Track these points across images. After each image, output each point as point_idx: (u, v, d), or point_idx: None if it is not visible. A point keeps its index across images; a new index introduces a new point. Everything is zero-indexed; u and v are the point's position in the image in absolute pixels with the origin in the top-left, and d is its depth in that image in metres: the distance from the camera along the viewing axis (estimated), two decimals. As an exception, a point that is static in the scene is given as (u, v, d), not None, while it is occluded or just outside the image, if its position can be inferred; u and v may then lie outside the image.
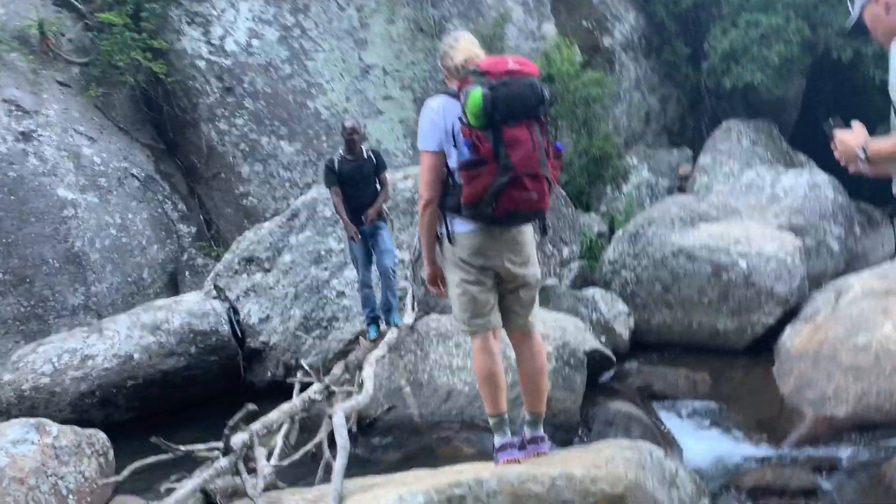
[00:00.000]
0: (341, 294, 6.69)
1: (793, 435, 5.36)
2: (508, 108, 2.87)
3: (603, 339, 7.06)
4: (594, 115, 10.76)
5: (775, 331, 6.88)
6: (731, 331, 7.50)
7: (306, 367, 4.70)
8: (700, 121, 13.52)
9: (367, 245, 5.80)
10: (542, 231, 3.18)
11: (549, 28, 12.11)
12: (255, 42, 10.23)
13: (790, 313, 7.11)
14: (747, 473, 4.90)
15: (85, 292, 8.99)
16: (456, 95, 2.99)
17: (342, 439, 3.37)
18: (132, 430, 6.15)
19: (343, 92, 10.55)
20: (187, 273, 9.84)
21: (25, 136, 8.98)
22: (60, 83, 9.70)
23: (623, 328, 7.65)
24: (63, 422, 5.94)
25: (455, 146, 2.95)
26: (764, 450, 5.35)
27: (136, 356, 6.29)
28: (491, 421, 3.12)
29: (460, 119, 2.92)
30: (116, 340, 6.35)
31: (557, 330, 5.68)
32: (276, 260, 7.06)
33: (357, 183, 5.74)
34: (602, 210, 11.25)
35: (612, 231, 10.11)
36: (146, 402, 6.38)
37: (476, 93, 2.86)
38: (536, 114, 2.95)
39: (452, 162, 2.99)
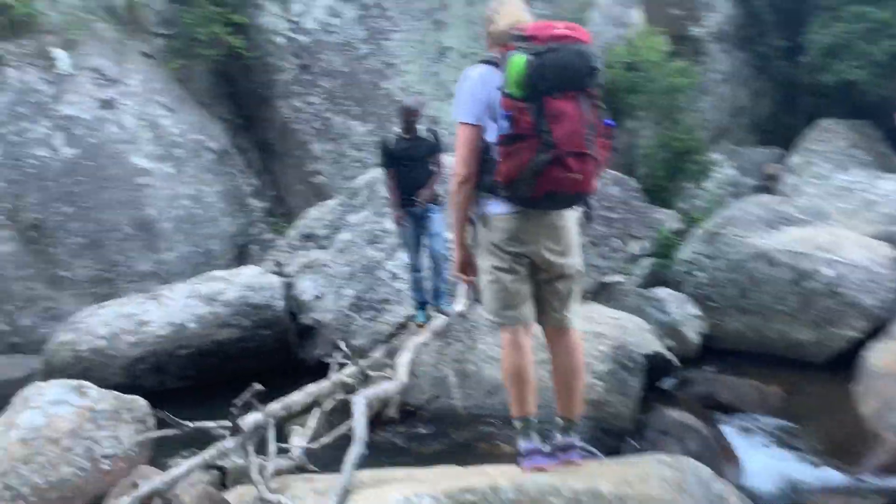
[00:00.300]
0: (395, 276, 6.56)
1: (870, 462, 4.90)
2: (554, 78, 2.60)
3: (669, 342, 6.67)
4: (678, 106, 10.25)
5: (859, 346, 6.34)
6: (810, 343, 6.97)
7: (344, 349, 4.56)
8: (793, 119, 12.69)
9: (417, 228, 5.63)
10: (587, 217, 2.90)
11: (636, 15, 11.60)
12: (333, 20, 10.19)
13: (877, 328, 6.54)
14: (815, 501, 4.49)
15: (155, 260, 9.18)
16: (497, 65, 2.75)
17: (359, 428, 3.20)
18: (185, 398, 6.23)
19: (418, 73, 10.40)
20: (256, 248, 9.95)
21: (107, 104, 9.22)
22: (144, 54, 9.92)
23: (692, 332, 7.23)
24: (115, 386, 6.06)
25: (494, 119, 2.72)
26: (836, 476, 4.90)
27: (190, 325, 6.33)
28: (516, 423, 2.88)
29: (500, 89, 2.68)
30: (172, 308, 6.41)
31: (616, 329, 5.36)
32: (334, 238, 6.99)
33: (412, 164, 5.56)
34: (681, 207, 10.73)
35: (689, 229, 9.63)
36: (199, 371, 6.41)
37: (519, 59, 2.61)
38: (586, 85, 2.66)
39: (491, 137, 2.75)
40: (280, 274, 7.11)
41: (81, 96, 9.03)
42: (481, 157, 2.79)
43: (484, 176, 2.77)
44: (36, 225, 8.63)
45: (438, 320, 5.43)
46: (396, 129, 5.71)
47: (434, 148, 5.68)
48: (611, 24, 11.33)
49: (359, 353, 4.57)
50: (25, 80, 8.73)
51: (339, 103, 10.14)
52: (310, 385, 4.00)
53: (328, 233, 7.06)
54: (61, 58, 9.00)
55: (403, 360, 4.55)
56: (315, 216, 7.31)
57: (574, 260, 2.90)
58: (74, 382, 4.42)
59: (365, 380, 4.33)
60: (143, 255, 9.09)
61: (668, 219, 9.67)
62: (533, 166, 2.61)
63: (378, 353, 4.80)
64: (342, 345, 4.59)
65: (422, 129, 5.69)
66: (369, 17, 10.33)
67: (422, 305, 5.69)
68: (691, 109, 11.12)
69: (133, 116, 9.35)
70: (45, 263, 8.69)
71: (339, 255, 6.86)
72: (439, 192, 5.72)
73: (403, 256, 6.31)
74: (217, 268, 9.73)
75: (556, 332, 2.93)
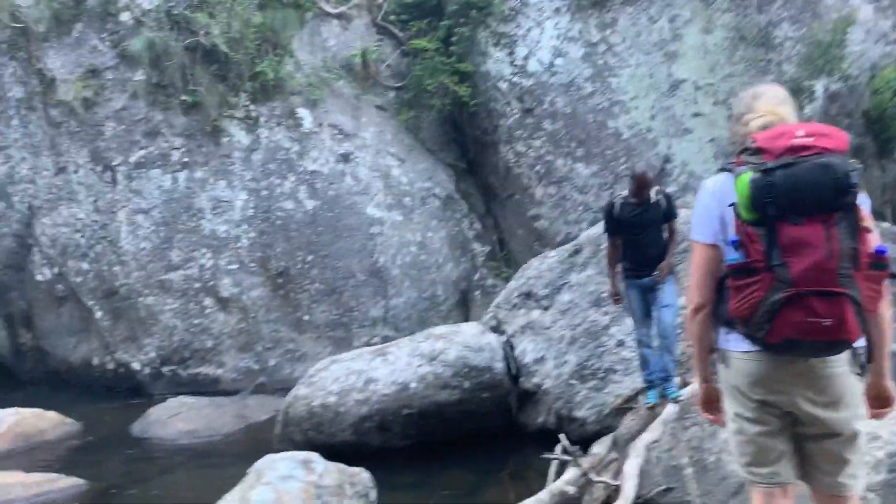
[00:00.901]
0: (621, 343, 6.10)
1: None
2: (789, 200, 2.10)
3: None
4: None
5: None
6: None
7: (565, 444, 4.22)
8: None
9: (646, 298, 5.14)
10: (860, 368, 2.27)
11: (908, 28, 10.03)
12: (558, 61, 9.98)
13: None
14: None
15: (384, 305, 9.56)
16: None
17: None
18: (407, 458, 6.28)
19: (647, 110, 9.83)
20: (478, 293, 9.99)
21: (345, 158, 9.80)
22: (377, 107, 10.44)
23: None
24: (343, 443, 6.32)
25: (727, 242, 2.26)
26: None
27: (412, 385, 6.38)
28: None
29: (733, 207, 2.23)
30: (397, 367, 6.50)
31: (893, 429, 4.45)
32: (555, 298, 6.70)
33: (640, 231, 5.09)
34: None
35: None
36: (421, 431, 6.44)
37: (743, 178, 2.16)
38: (837, 206, 2.11)
39: (727, 260, 2.29)
40: (499, 332, 6.96)
41: (322, 151, 9.69)
42: (719, 283, 2.34)
43: (721, 305, 2.32)
44: (282, 272, 9.37)
45: (669, 408, 4.90)
46: (623, 191, 5.28)
47: (667, 214, 5.17)
48: (876, 41, 9.89)
49: (576, 453, 4.15)
50: (275, 139, 9.54)
51: (561, 145, 9.89)
52: (528, 502, 3.70)
53: (549, 292, 6.78)
54: (305, 117, 9.73)
55: (631, 469, 4.12)
56: (534, 273, 7.07)
57: (849, 414, 2.29)
58: (302, 455, 4.56)
59: (587, 485, 3.97)
60: (374, 300, 9.50)
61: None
62: (766, 307, 2.13)
63: (601, 447, 4.40)
64: (563, 439, 4.25)
65: (653, 191, 5.19)
66: (595, 55, 9.97)
67: (652, 385, 5.18)
68: None
69: (367, 168, 9.85)
70: (290, 308, 9.40)
71: (560, 317, 6.55)
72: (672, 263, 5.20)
73: (630, 323, 5.84)
74: (441, 313, 9.95)
75: (829, 499, 2.37)
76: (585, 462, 3.98)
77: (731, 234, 2.22)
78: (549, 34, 10.01)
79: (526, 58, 10.08)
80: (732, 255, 2.22)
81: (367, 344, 9.10)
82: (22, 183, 9.91)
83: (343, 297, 9.42)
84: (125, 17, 9.35)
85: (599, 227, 7.22)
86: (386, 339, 9.06)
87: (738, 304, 2.18)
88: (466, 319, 9.58)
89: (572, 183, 9.71)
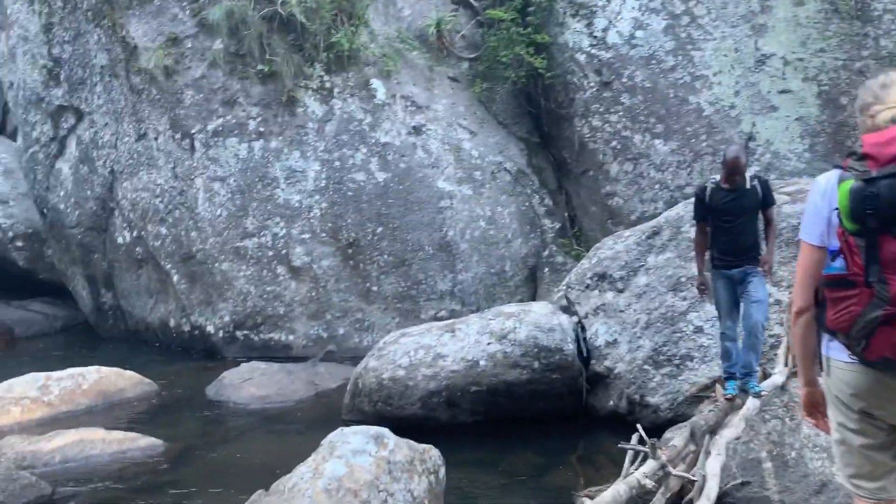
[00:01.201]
0: (699, 330, 5.92)
1: None
2: (893, 213, 1.96)
3: None
4: None
5: None
6: None
7: (642, 433, 4.11)
8: None
9: (734, 290, 4.91)
10: None
11: None
12: (638, 33, 9.63)
13: None
14: None
15: (452, 279, 9.54)
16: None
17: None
18: (474, 434, 6.29)
19: (731, 85, 9.41)
20: (546, 270, 9.85)
21: (416, 130, 9.74)
22: (451, 79, 10.32)
23: None
24: (412, 416, 6.36)
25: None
26: None
27: (481, 363, 6.36)
28: None
29: (836, 212, 2.08)
30: (466, 344, 6.48)
31: None
32: (630, 280, 6.54)
33: (732, 219, 4.83)
34: None
35: None
36: (489, 408, 6.44)
37: (844, 186, 2.02)
38: None
39: (826, 269, 2.14)
40: (570, 312, 6.85)
41: (394, 123, 9.65)
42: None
43: (823, 311, 2.18)
44: (353, 243, 9.44)
45: (750, 403, 4.72)
46: (714, 177, 5.03)
47: (764, 202, 4.90)
48: None
49: (652, 445, 4.04)
50: (348, 110, 9.55)
51: (639, 121, 9.58)
52: (605, 494, 3.62)
53: (624, 274, 6.62)
54: (378, 88, 9.69)
55: (714, 468, 3.98)
56: (610, 254, 6.91)
57: None
58: (374, 430, 4.58)
59: (665, 478, 3.87)
60: (442, 274, 9.49)
61: None
62: (863, 323, 2.01)
63: (679, 439, 4.27)
64: (640, 429, 4.15)
65: (748, 176, 4.92)
66: (678, 27, 9.58)
67: (732, 377, 5.00)
68: None
69: (438, 141, 9.77)
70: (359, 278, 9.48)
71: (635, 301, 6.40)
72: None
73: (710, 310, 5.65)
74: (509, 289, 9.87)
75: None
76: (664, 454, 3.88)
77: (833, 241, 2.08)
78: (630, 5, 9.66)
79: (605, 29, 9.76)
80: (831, 266, 2.09)
81: (435, 317, 9.13)
82: (105, 148, 10.23)
83: (411, 269, 9.44)
84: (205, -15, 9.44)
85: (679, 208, 7.01)
86: (453, 313, 9.06)
87: (835, 316, 2.06)
88: (534, 296, 9.49)
89: (649, 160, 9.42)
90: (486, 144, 10.05)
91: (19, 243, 11.92)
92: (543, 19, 10.01)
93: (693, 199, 5.13)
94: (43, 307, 11.68)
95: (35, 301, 11.71)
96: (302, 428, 6.91)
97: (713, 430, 4.55)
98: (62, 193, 10.76)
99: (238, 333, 9.47)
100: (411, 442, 4.67)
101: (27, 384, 7.38)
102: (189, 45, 9.44)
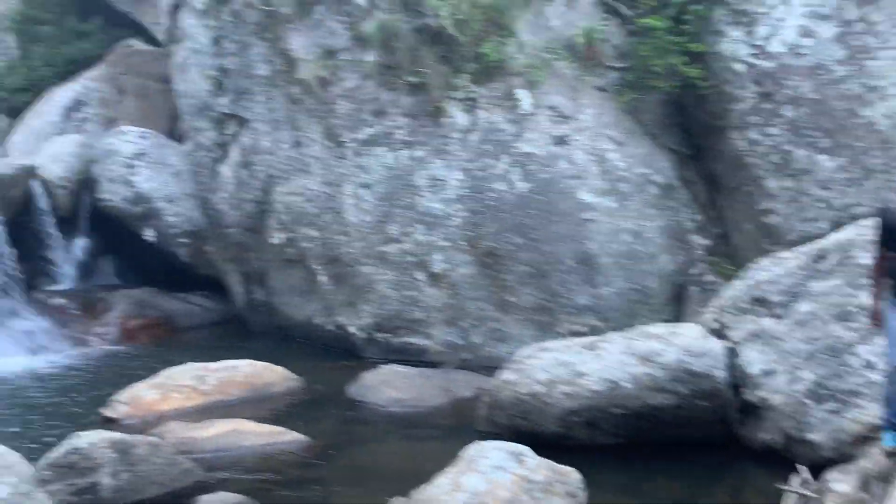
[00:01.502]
0: (869, 365, 5.41)
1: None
2: None
3: None
4: None
5: None
6: None
7: (804, 474, 3.79)
8: None
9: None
10: None
11: None
12: (804, 41, 9.02)
13: None
14: None
15: (592, 294, 9.31)
16: None
17: None
18: (615, 456, 6.09)
19: (912, 97, 8.63)
20: (694, 289, 9.41)
21: (560, 141, 9.60)
22: (598, 88, 10.09)
23: None
24: (549, 434, 6.24)
25: None
26: None
27: (625, 385, 6.15)
28: None
29: None
30: (608, 363, 6.29)
31: None
32: (791, 307, 6.09)
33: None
34: None
35: None
36: (631, 431, 6.23)
37: None
38: None
39: None
40: (721, 336, 6.49)
41: (538, 133, 9.56)
42: None
43: None
44: (491, 252, 9.44)
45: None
46: (894, 196, 4.59)
47: None
48: None
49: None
50: (492, 120, 9.56)
51: (803, 135, 8.96)
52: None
53: (784, 300, 6.17)
54: (523, 98, 9.65)
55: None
56: (768, 277, 6.48)
57: None
58: (514, 447, 4.54)
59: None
60: (582, 288, 9.29)
61: None
62: None
63: (845, 485, 3.89)
64: (805, 471, 3.83)
65: None
66: (850, 35, 8.89)
67: (893, 427, 4.49)
68: None
69: (583, 151, 9.58)
70: (496, 288, 9.47)
71: (796, 329, 5.95)
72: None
73: (883, 344, 5.15)
74: (652, 307, 9.50)
75: None
76: (831, 500, 3.56)
77: None
78: (798, 11, 9.07)
79: (767, 38, 9.21)
80: None
81: (572, 332, 8.93)
82: (263, 154, 10.82)
83: (550, 281, 9.31)
84: (360, 0, 9.78)
85: (850, 231, 6.46)
86: (592, 329, 8.83)
87: None
88: (679, 316, 9.08)
89: (813, 177, 8.78)
90: (633, 156, 9.75)
91: (184, 240, 12.83)
92: (699, 28, 9.60)
93: (873, 223, 4.69)
94: (201, 300, 12.50)
95: (194, 294, 12.56)
96: (437, 434, 6.98)
97: (884, 478, 4.13)
98: (223, 195, 11.48)
99: (377, 335, 9.72)
100: (552, 462, 4.59)
101: (186, 372, 7.92)
102: (344, 58, 9.82)
